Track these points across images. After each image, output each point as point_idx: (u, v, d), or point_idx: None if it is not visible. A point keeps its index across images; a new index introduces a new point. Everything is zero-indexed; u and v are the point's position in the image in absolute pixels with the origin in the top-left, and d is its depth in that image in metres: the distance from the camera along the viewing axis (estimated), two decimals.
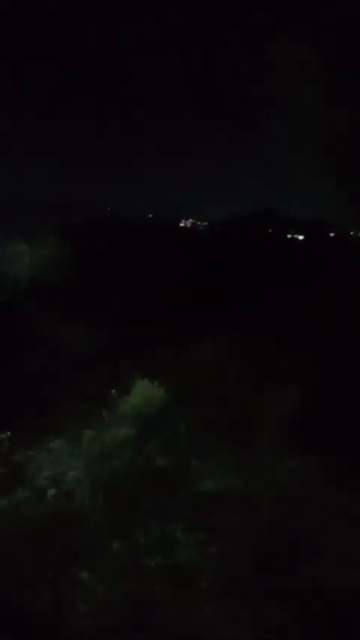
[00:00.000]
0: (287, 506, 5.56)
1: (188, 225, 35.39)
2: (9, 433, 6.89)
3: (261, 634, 3.68)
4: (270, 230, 30.28)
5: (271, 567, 4.45)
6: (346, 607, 3.95)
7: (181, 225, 35.16)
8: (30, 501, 5.87)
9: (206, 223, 34.15)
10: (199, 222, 35.22)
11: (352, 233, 29.87)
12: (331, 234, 29.75)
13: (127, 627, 3.94)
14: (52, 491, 6.07)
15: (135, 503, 5.81)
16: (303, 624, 3.77)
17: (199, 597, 4.22)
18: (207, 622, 3.86)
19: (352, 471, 6.26)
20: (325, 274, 14.80)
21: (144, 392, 8.31)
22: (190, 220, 35.41)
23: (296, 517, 5.34)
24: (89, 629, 3.94)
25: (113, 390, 8.23)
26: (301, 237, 28.87)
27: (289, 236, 29.50)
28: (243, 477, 6.41)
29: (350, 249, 23.72)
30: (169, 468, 6.75)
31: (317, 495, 5.77)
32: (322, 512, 5.41)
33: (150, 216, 34.23)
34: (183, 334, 10.44)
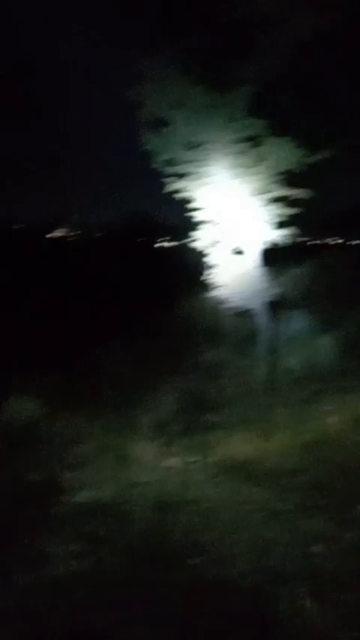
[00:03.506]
0: (165, 509, 5.71)
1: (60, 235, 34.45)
2: None
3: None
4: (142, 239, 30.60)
5: (156, 566, 4.56)
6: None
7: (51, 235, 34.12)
8: None
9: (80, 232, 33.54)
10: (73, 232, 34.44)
11: None
12: None
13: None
14: None
15: (6, 521, 5.54)
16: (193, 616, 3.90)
17: (78, 606, 4.16)
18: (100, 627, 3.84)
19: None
20: None
21: (15, 405, 8.03)
22: (64, 230, 34.56)
23: (176, 518, 5.48)
24: None
25: None
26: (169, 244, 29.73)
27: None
28: (119, 485, 6.45)
29: None
30: (40, 483, 6.55)
31: (197, 493, 6.01)
32: (205, 511, 5.62)
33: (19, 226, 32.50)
34: (60, 345, 10.33)
